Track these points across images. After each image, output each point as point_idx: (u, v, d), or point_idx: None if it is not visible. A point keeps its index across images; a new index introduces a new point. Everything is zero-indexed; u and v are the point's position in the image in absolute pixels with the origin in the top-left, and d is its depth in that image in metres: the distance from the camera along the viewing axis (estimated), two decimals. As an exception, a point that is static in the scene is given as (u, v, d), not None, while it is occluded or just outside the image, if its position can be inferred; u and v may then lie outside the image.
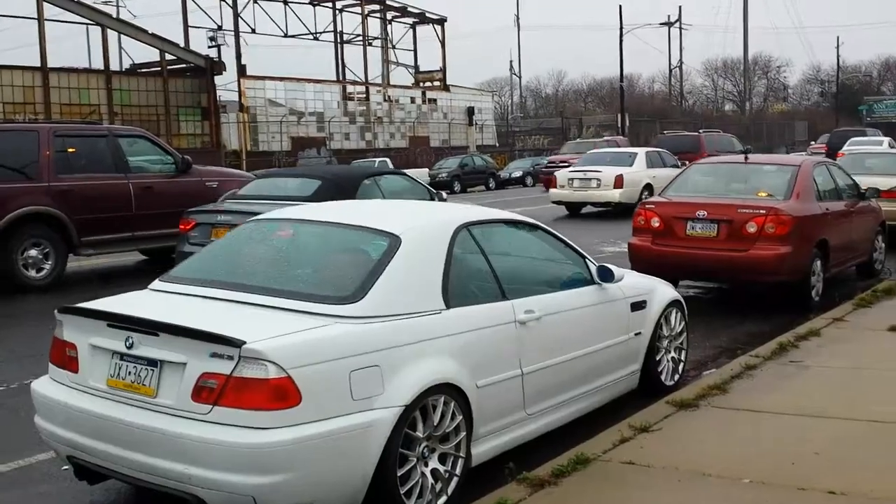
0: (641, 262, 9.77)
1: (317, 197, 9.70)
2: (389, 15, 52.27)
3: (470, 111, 54.46)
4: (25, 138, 11.36)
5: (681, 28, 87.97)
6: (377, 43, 52.45)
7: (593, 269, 5.76)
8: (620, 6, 53.25)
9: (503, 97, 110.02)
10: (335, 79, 46.68)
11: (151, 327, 3.95)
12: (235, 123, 41.06)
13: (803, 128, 74.90)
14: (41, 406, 4.35)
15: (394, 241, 4.54)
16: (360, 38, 48.80)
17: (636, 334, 6.10)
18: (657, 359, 6.36)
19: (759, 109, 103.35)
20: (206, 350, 3.74)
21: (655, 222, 9.57)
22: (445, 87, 53.68)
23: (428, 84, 53.80)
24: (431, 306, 4.46)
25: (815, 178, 9.82)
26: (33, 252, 11.00)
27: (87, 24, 32.85)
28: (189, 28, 43.94)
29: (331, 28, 49.37)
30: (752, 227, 8.99)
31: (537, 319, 5.05)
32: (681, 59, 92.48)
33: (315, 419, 3.73)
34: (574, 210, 21.63)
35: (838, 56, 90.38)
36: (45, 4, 30.71)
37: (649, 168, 21.25)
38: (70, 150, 11.53)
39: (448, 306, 4.53)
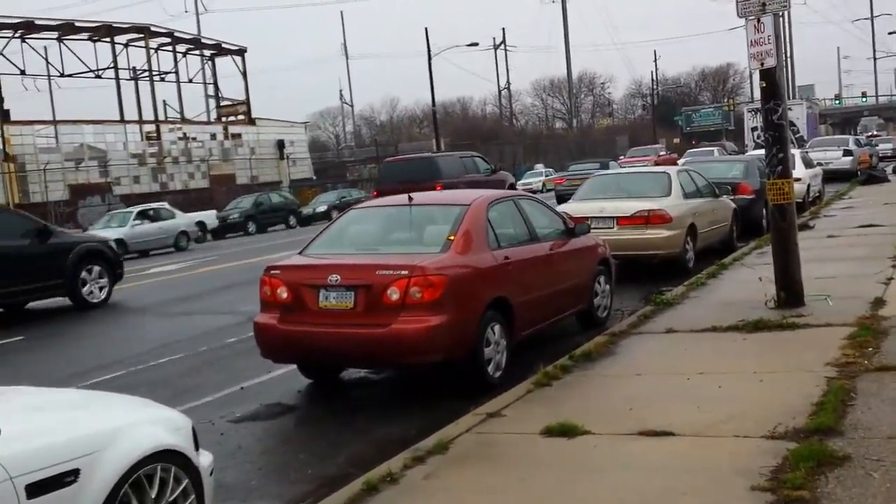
0: (268, 347, 7.42)
1: None
2: (182, 48, 48.75)
3: (280, 144, 51.55)
4: (428, 162, 22.63)
5: (506, 49, 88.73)
6: (171, 78, 48.87)
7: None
8: (426, 29, 52.29)
9: (336, 127, 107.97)
10: (118, 118, 42.69)
11: None
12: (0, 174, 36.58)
13: (625, 141, 76.19)
14: None
15: None
16: (147, 73, 45.09)
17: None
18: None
19: (587, 126, 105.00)
20: None
21: (283, 293, 7.18)
22: (251, 121, 50.51)
23: (231, 118, 50.49)
24: None
25: (491, 220, 7.72)
26: None
27: None
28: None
29: (121, 64, 45.43)
30: (394, 294, 6.73)
31: None
32: (508, 80, 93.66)
33: None
34: None
35: (655, 69, 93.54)
36: None
37: None
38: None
39: None
